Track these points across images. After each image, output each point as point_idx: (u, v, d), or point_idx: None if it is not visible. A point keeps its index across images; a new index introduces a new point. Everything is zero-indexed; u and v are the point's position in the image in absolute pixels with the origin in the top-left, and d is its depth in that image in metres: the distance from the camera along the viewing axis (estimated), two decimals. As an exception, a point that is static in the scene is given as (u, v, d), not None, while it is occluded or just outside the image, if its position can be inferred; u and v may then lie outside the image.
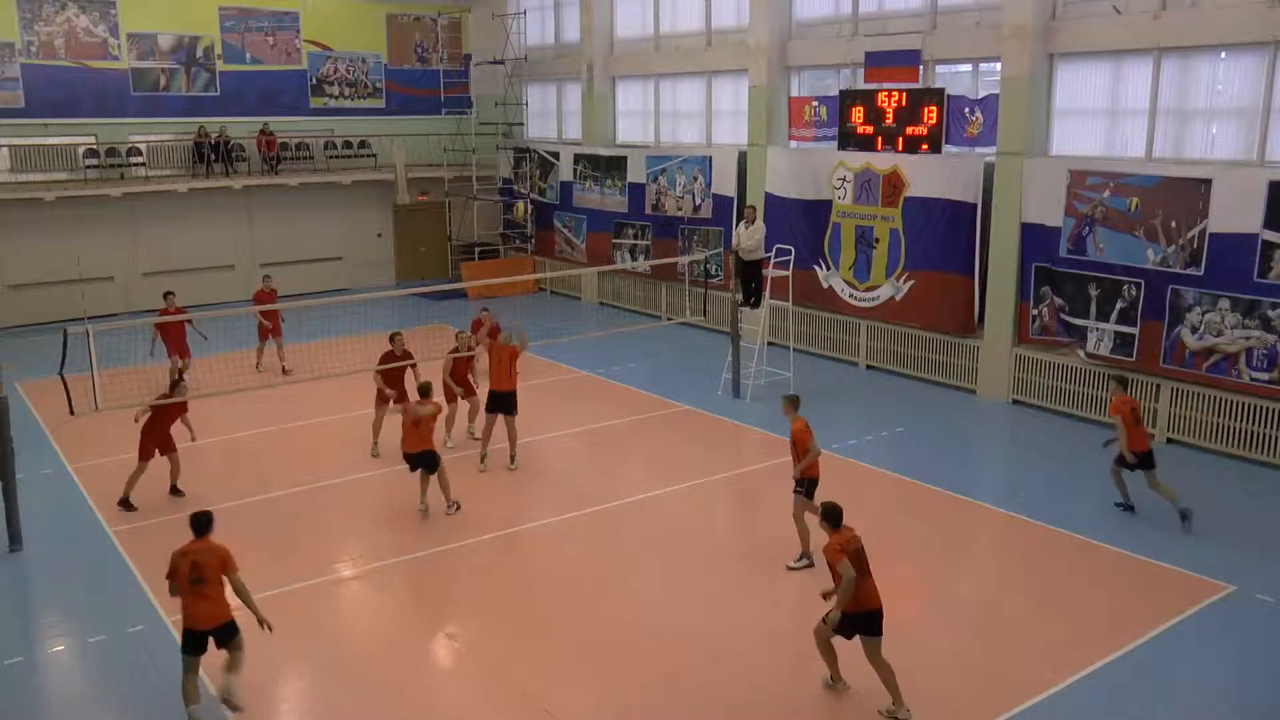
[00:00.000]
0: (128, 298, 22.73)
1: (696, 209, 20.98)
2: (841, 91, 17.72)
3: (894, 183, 16.89)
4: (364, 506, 12.29)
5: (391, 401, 13.62)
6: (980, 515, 11.90)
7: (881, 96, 16.88)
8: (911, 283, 16.92)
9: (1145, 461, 11.34)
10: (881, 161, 17.03)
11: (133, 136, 23.29)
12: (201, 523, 7.94)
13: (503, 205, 26.68)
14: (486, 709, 8.19)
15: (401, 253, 26.79)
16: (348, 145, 26.17)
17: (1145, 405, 14.06)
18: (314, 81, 25.71)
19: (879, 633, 7.86)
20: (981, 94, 15.97)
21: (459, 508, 11.83)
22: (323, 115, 25.96)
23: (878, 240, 17.35)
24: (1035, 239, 15.20)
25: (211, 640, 7.76)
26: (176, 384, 12.25)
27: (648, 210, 22.17)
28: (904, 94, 16.56)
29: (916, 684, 8.27)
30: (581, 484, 13.04)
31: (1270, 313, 12.73)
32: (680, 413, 15.61)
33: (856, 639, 7.93)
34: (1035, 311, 15.39)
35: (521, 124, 26.29)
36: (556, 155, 24.69)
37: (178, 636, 8.05)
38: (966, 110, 15.96)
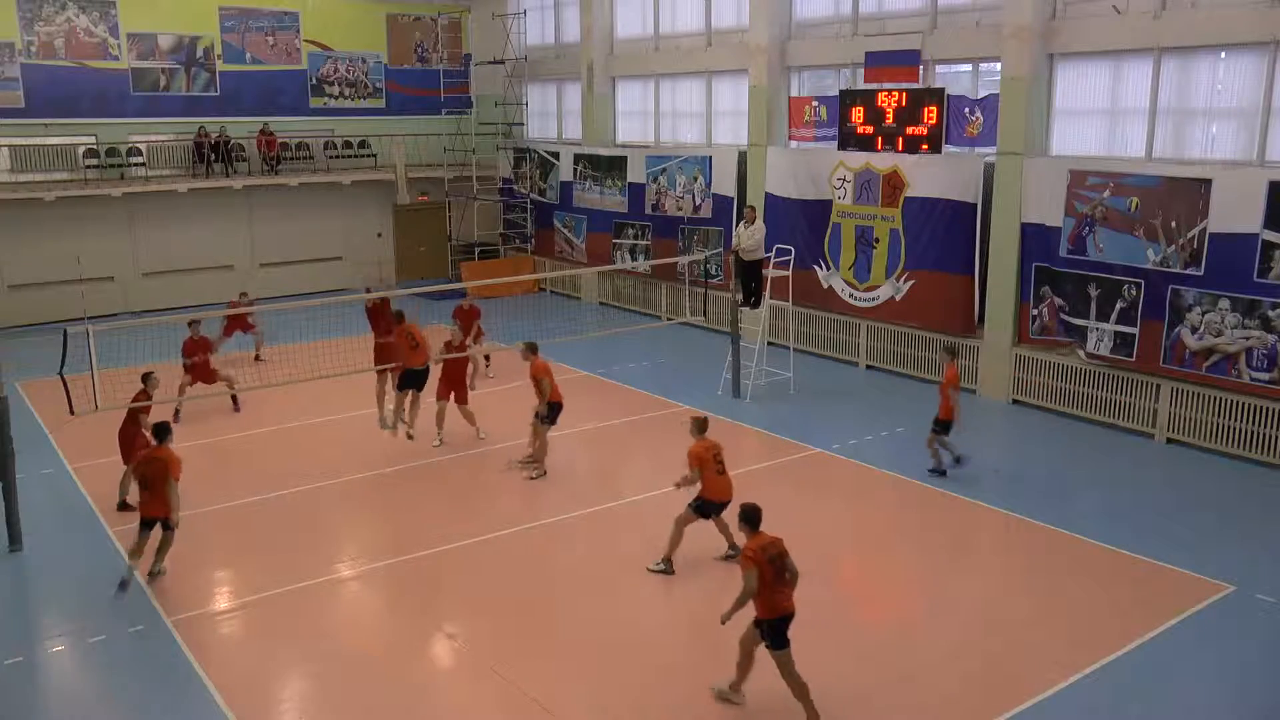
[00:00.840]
0: (128, 298, 22.78)
1: (696, 209, 20.97)
2: (841, 91, 17.73)
3: (894, 183, 16.88)
4: (364, 506, 12.30)
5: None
6: (980, 515, 11.89)
7: (881, 96, 16.88)
8: (912, 283, 16.91)
9: (945, 428, 12.73)
10: (881, 161, 17.03)
11: (133, 136, 23.28)
12: (159, 432, 9.99)
13: (503, 205, 26.70)
14: (486, 709, 8.19)
15: (401, 252, 26.81)
16: (348, 145, 26.15)
17: (1145, 405, 14.22)
18: (314, 81, 25.70)
19: (786, 644, 7.61)
20: (981, 94, 15.97)
21: (409, 435, 13.44)
22: (323, 115, 25.95)
23: (878, 240, 17.35)
24: (1035, 239, 15.20)
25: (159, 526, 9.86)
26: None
27: (648, 210, 22.17)
28: (904, 94, 16.56)
29: (917, 684, 8.28)
30: (581, 484, 13.04)
31: (1270, 313, 12.73)
32: (680, 413, 15.59)
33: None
34: (1035, 311, 15.39)
35: (521, 124, 26.29)
36: (556, 155, 24.68)
37: (178, 636, 9.12)
38: (966, 110, 15.96)
